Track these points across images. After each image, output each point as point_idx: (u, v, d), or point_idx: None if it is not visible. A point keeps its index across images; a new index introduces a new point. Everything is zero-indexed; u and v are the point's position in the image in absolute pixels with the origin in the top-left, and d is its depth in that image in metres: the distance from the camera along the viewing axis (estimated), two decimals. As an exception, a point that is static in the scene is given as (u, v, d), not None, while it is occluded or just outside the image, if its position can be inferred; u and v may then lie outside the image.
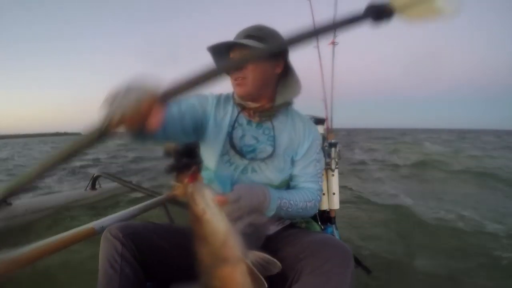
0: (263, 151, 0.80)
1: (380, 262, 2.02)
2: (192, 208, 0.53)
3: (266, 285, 0.52)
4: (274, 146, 0.80)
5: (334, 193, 1.49)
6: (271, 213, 0.69)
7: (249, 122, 0.83)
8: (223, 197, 0.56)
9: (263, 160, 0.80)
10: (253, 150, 0.81)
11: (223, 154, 0.80)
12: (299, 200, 0.76)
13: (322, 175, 0.87)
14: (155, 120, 0.47)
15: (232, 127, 0.81)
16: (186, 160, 1.41)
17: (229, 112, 0.83)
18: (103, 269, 0.68)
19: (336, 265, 0.58)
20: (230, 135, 0.80)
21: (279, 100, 0.82)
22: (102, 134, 0.45)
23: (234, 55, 0.78)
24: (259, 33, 0.77)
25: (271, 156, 0.79)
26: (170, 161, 1.41)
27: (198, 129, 0.81)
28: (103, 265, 0.69)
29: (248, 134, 0.82)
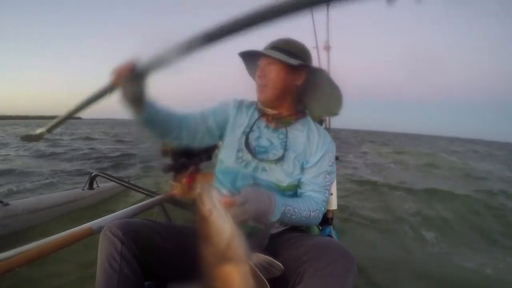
0: (274, 154, 0.84)
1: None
2: (199, 208, 0.53)
3: (282, 268, 0.53)
4: (284, 150, 0.84)
5: (331, 194, 1.50)
6: (275, 218, 0.69)
7: (266, 126, 0.89)
8: (230, 199, 0.56)
9: (273, 161, 0.83)
10: (265, 151, 0.85)
11: (238, 150, 0.86)
12: (303, 209, 0.76)
13: (330, 188, 0.89)
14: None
15: (251, 128, 0.88)
16: (184, 160, 1.41)
17: (249, 115, 0.91)
18: (102, 268, 0.68)
19: (338, 269, 0.58)
20: (247, 135, 0.87)
21: (313, 113, 0.90)
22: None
23: (260, 62, 0.86)
24: (286, 47, 0.84)
25: (280, 159, 0.83)
26: (168, 161, 1.41)
27: (221, 128, 0.91)
28: (102, 264, 0.68)
29: (264, 137, 0.87)
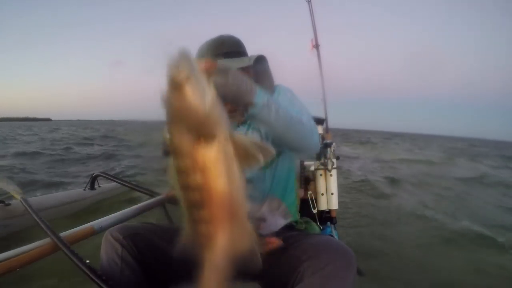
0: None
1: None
2: (172, 76, 0.40)
3: (273, 152, 0.45)
4: (260, 131, 0.81)
5: (332, 193, 1.49)
6: (257, 102, 0.60)
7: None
8: (211, 63, 0.50)
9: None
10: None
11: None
12: (291, 110, 0.69)
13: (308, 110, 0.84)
14: None
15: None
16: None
17: None
18: (104, 271, 0.69)
19: (339, 268, 0.58)
20: None
21: None
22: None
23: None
24: (233, 47, 0.79)
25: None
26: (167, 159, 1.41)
27: None
28: (104, 268, 0.69)
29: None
